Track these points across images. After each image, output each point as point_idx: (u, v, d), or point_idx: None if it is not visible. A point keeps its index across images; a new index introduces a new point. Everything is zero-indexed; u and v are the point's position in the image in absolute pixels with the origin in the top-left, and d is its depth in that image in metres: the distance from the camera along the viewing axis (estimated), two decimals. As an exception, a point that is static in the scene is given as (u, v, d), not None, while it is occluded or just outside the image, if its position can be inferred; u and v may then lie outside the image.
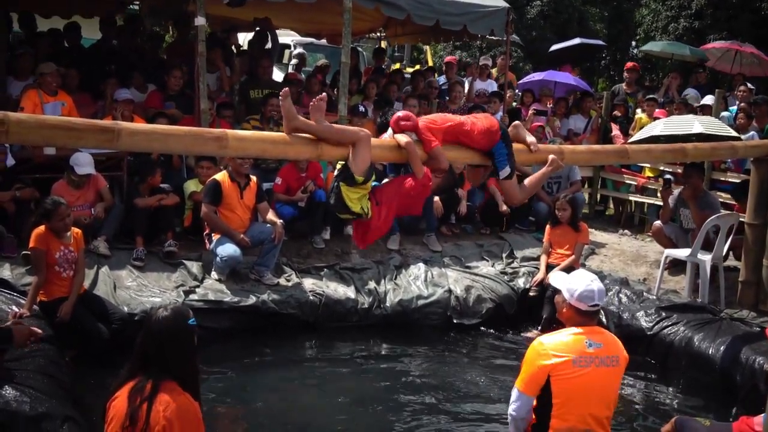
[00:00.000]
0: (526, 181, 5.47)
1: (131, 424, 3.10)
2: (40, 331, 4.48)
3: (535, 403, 3.81)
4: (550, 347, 3.72)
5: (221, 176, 7.23)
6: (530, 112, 10.74)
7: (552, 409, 3.71)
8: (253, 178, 7.44)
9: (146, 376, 3.20)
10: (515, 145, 5.31)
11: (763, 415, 3.49)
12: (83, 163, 7.13)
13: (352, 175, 4.49)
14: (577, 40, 15.12)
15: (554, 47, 15.87)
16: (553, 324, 7.13)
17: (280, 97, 4.57)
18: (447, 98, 10.90)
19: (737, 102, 10.69)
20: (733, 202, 8.58)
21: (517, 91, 12.17)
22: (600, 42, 14.74)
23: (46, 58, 8.44)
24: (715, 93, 9.81)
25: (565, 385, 3.67)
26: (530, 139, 5.34)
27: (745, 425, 3.42)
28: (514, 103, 11.75)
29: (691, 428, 3.64)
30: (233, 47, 11.23)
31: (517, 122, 5.58)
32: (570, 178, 9.81)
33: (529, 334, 7.44)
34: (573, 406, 3.69)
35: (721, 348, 6.36)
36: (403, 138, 4.71)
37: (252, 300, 6.92)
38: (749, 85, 11.38)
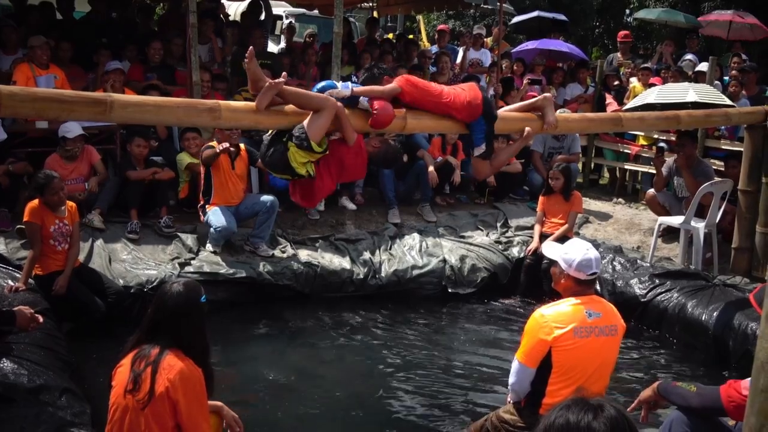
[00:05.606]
0: (501, 151, 5.50)
1: (134, 388, 3.15)
2: (41, 318, 4.50)
3: None
4: (551, 319, 3.71)
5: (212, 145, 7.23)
6: (525, 81, 10.70)
7: (550, 377, 3.73)
8: (242, 145, 7.42)
9: (153, 344, 3.26)
10: (526, 115, 5.33)
11: (749, 378, 3.51)
12: (72, 128, 7.10)
13: (308, 140, 4.49)
14: (534, 13, 15.05)
15: (515, 19, 15.84)
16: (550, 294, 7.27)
17: (245, 59, 4.56)
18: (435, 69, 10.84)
19: (730, 71, 10.67)
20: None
21: (513, 60, 12.09)
22: (561, 16, 14.60)
23: (37, 31, 8.36)
24: (709, 60, 9.78)
25: (566, 356, 3.68)
26: (550, 117, 5.32)
27: (733, 389, 3.42)
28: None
29: (678, 395, 3.64)
30: (222, 17, 11.14)
31: (548, 95, 5.56)
32: (571, 150, 9.81)
33: (507, 301, 7.58)
34: (572, 375, 3.70)
35: (714, 314, 6.42)
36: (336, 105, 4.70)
37: (247, 271, 6.93)
38: (743, 56, 11.34)
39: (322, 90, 4.73)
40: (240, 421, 3.74)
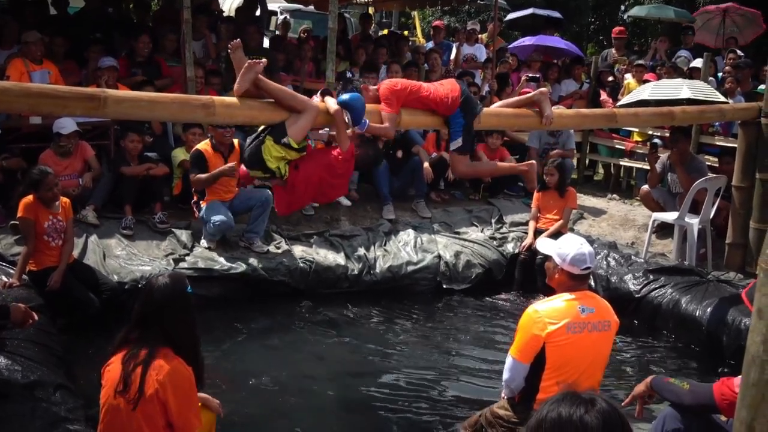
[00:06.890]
0: (486, 163, 5.54)
1: (124, 389, 3.15)
2: (36, 316, 4.49)
3: None
4: (545, 314, 3.73)
5: (203, 145, 7.20)
6: (523, 78, 10.70)
7: (543, 372, 3.75)
8: (235, 141, 7.39)
9: (142, 342, 3.26)
10: (523, 111, 5.35)
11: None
12: (66, 124, 7.06)
13: (285, 135, 4.48)
14: (530, 10, 15.08)
15: (509, 16, 15.87)
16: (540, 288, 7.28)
17: (229, 48, 4.56)
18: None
19: (725, 67, 10.67)
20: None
21: (507, 55, 12.07)
22: (556, 14, 14.58)
23: (31, 27, 8.33)
24: (704, 56, 9.79)
25: (559, 351, 3.69)
26: (548, 112, 5.37)
27: (726, 387, 3.42)
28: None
29: (671, 391, 3.65)
30: (216, 12, 11.13)
31: (543, 89, 5.61)
32: (566, 146, 9.82)
33: (506, 295, 7.56)
34: (566, 370, 3.71)
35: (708, 309, 6.44)
36: (333, 105, 4.69)
37: (242, 267, 6.93)
38: (738, 52, 11.33)
39: (351, 99, 4.72)
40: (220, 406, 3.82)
